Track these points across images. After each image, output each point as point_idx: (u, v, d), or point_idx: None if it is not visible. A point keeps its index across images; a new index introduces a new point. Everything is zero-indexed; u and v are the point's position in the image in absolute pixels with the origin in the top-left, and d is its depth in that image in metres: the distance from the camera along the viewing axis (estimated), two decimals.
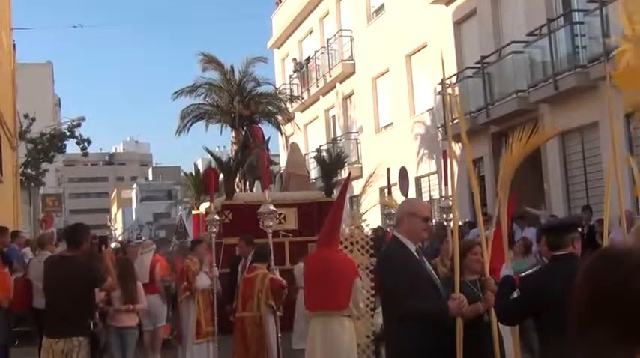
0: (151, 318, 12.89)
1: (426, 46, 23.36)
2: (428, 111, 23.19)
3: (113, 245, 18.85)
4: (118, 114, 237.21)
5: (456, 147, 21.03)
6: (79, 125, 32.47)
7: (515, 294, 5.06)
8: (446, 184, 10.76)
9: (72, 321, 6.96)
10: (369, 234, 9.48)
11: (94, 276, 7.16)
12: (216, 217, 11.78)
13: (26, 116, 29.40)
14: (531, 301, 4.95)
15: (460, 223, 14.97)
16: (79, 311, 7.01)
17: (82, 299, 7.04)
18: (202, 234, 14.19)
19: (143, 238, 44.70)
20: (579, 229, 5.82)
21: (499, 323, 5.65)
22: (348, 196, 26.20)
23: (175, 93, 22.45)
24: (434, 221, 16.19)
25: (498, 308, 5.37)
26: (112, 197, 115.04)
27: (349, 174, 11.62)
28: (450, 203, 10.10)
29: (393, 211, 13.72)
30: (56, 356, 6.92)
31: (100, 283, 7.22)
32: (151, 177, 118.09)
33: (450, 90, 20.02)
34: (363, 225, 9.75)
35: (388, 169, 13.82)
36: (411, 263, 5.41)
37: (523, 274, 5.56)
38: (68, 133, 32.43)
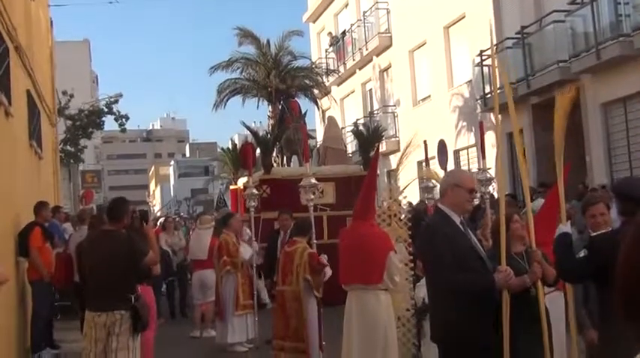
0: (204, 292, 13.00)
1: (464, 16, 23.01)
2: (466, 83, 22.89)
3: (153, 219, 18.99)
4: (155, 90, 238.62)
5: (497, 119, 20.78)
6: (116, 101, 32.67)
7: (582, 253, 4.94)
8: (484, 157, 10.56)
9: (114, 295, 6.95)
10: (407, 206, 9.36)
11: (135, 250, 7.13)
12: (255, 191, 11.77)
13: (64, 93, 29.62)
14: (606, 261, 4.84)
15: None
16: (121, 285, 6.98)
17: (124, 273, 7.01)
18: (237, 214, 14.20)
19: (181, 214, 45.00)
20: None
21: (546, 297, 5.54)
22: (385, 170, 26.13)
23: (212, 68, 22.40)
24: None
25: (564, 268, 5.25)
26: (150, 173, 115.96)
27: (377, 148, 11.49)
28: (488, 175, 9.95)
29: (431, 184, 13.59)
30: (98, 330, 6.93)
31: (141, 257, 7.19)
32: (188, 154, 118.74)
33: (491, 61, 19.75)
34: (401, 198, 9.63)
35: (425, 142, 13.65)
36: (457, 235, 5.31)
37: (594, 233, 5.40)
38: (106, 109, 32.65)
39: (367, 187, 7.86)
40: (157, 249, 8.08)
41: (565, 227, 5.69)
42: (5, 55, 10.18)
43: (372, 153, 13.63)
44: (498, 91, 19.37)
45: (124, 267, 7.02)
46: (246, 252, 11.06)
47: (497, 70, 8.22)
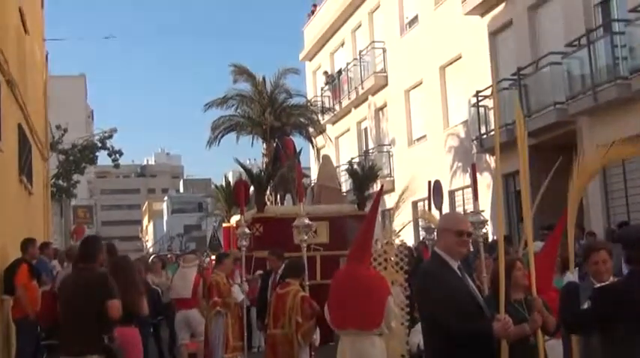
0: (189, 332, 12.71)
1: (460, 57, 23.03)
2: (462, 123, 22.82)
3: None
4: (150, 125, 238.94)
5: (491, 161, 20.69)
6: (110, 136, 32.56)
7: (586, 305, 4.76)
8: (476, 198, 10.36)
9: (85, 338, 6.65)
10: (403, 249, 9.14)
11: (107, 290, 6.79)
12: (247, 230, 11.56)
13: (58, 127, 29.50)
14: (609, 314, 4.64)
15: (493, 238, 14.64)
16: (92, 326, 6.67)
17: (96, 313, 6.69)
18: (233, 250, 13.97)
19: (172, 252, 44.66)
20: None
21: (546, 347, 5.33)
22: (380, 210, 25.93)
23: (207, 104, 22.32)
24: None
25: (567, 320, 5.06)
26: (143, 209, 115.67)
27: (381, 188, 11.32)
28: (481, 218, 9.72)
29: (433, 226, 13.40)
30: None
31: (106, 297, 6.78)
32: (182, 189, 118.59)
33: (486, 102, 19.70)
34: (397, 240, 9.41)
35: (429, 182, 13.51)
36: (453, 280, 5.11)
37: (599, 285, 5.21)
38: (100, 144, 32.51)
39: (365, 229, 7.66)
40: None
41: (572, 275, 5.51)
42: None
43: (374, 196, 13.42)
44: (493, 133, 19.32)
45: (96, 306, 6.70)
46: (238, 293, 10.83)
47: (495, 108, 8.12)
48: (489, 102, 20.55)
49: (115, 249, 12.98)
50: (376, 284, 7.26)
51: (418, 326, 6.92)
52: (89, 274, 6.88)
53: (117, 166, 34.09)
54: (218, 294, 11.00)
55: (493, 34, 21.42)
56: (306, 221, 9.56)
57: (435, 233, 5.99)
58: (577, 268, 6.35)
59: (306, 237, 9.53)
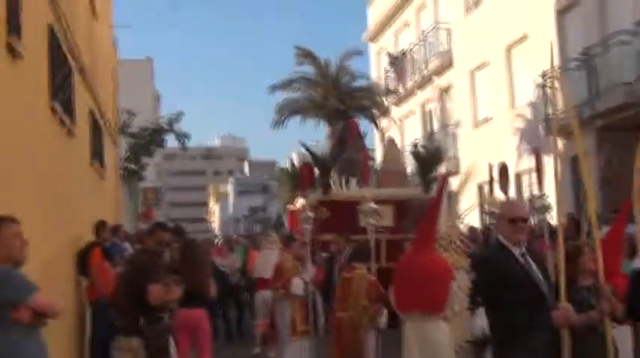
0: (267, 312, 12.93)
1: (526, 37, 22.69)
2: (528, 104, 22.49)
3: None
4: (216, 108, 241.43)
5: (559, 143, 20.38)
6: (178, 120, 33.04)
7: None
8: (540, 182, 10.26)
9: (127, 318, 6.97)
10: (468, 233, 9.13)
11: (140, 271, 7.04)
12: (310, 214, 11.66)
13: (128, 112, 30.08)
14: None
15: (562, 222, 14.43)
16: (129, 306, 6.95)
17: (130, 293, 6.94)
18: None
19: (239, 234, 45.20)
20: None
21: (614, 334, 5.30)
22: (445, 193, 25.79)
23: (271, 87, 22.51)
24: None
25: (636, 306, 5.03)
26: (210, 191, 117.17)
27: (447, 173, 11.29)
28: (545, 203, 9.59)
29: (496, 211, 13.31)
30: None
31: (144, 282, 6.95)
32: (247, 171, 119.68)
33: (554, 83, 19.37)
34: (460, 224, 9.42)
35: (490, 165, 13.38)
36: (511, 267, 5.12)
37: None
38: (168, 128, 33.04)
39: (431, 213, 7.69)
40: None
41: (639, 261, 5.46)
42: (69, 75, 10.32)
43: (439, 178, 13.43)
44: (562, 114, 19.03)
45: (130, 286, 6.95)
46: (297, 286, 10.85)
47: (561, 92, 8.01)
48: (556, 83, 20.21)
49: (184, 231, 13.30)
50: (440, 268, 7.31)
51: (482, 310, 6.94)
52: (140, 255, 7.32)
53: (184, 149, 34.63)
54: (282, 277, 11.11)
55: (560, 13, 21.03)
56: (373, 205, 9.63)
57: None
58: None
59: (373, 221, 9.60)
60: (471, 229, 13.27)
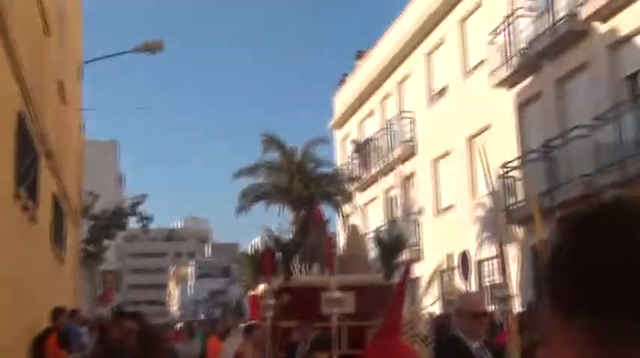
0: None
1: (488, 128, 23.19)
2: (489, 194, 22.83)
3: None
4: (179, 190, 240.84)
5: (519, 232, 20.64)
6: (141, 202, 32.92)
7: None
8: (503, 273, 10.32)
9: None
10: (431, 323, 9.14)
11: None
12: (271, 301, 11.59)
13: (90, 193, 29.90)
14: None
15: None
16: None
17: None
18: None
19: (198, 318, 44.52)
20: None
21: None
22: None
23: (237, 173, 22.56)
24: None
25: None
26: (171, 273, 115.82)
27: (409, 262, 11.32)
28: (506, 293, 9.62)
29: (455, 298, 13.37)
30: None
31: None
32: (209, 254, 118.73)
33: (514, 174, 19.66)
34: (424, 314, 9.43)
35: (453, 255, 13.47)
36: None
37: None
38: (130, 211, 32.87)
39: (395, 303, 7.69)
40: None
41: None
42: (35, 161, 10.32)
43: (401, 265, 13.45)
44: (521, 204, 19.33)
45: None
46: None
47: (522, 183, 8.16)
48: (517, 174, 20.61)
49: (144, 319, 13.09)
50: (407, 355, 7.27)
51: None
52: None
53: (147, 232, 34.38)
54: None
55: (521, 106, 21.59)
56: (337, 294, 9.61)
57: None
58: None
59: (336, 310, 9.56)
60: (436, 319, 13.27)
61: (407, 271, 8.63)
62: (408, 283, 8.53)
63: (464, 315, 5.25)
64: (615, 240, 1.09)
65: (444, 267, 23.25)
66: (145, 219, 32.60)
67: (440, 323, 12.66)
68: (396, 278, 18.55)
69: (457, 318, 5.31)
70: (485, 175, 6.53)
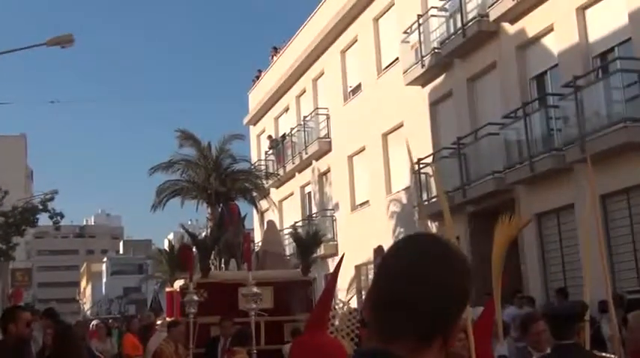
0: None
1: (402, 125, 23.62)
2: (404, 189, 23.29)
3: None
4: (90, 186, 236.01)
5: (432, 226, 21.11)
6: (51, 199, 32.21)
7: None
8: None
9: None
10: (353, 318, 9.28)
11: None
12: (195, 297, 11.60)
13: None
14: None
15: None
16: None
17: None
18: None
19: (112, 317, 43.94)
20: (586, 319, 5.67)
21: None
22: (323, 273, 26.11)
23: (152, 168, 22.33)
24: None
25: None
26: (82, 270, 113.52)
27: (341, 258, 11.35)
28: None
29: None
30: None
31: None
32: (122, 251, 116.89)
33: (427, 170, 20.10)
34: (345, 308, 9.57)
35: (343, 255, 13.64)
36: None
37: None
38: (41, 207, 32.13)
39: (325, 298, 7.80)
40: None
41: (502, 348, 5.74)
42: None
43: (317, 260, 13.59)
44: (433, 200, 19.73)
45: None
46: None
47: (433, 178, 8.42)
48: (430, 170, 21.08)
49: (57, 315, 12.91)
50: (336, 349, 7.39)
51: None
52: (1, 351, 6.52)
53: (57, 228, 33.67)
54: None
55: (433, 104, 22.09)
56: (255, 289, 9.70)
57: None
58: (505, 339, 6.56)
59: (254, 306, 9.66)
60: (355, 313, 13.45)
61: (337, 269, 8.72)
62: (337, 280, 8.65)
63: None
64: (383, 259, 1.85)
65: (361, 261, 23.58)
66: (57, 215, 31.90)
67: (362, 318, 12.87)
68: (330, 275, 18.79)
69: None
70: (411, 161, 6.71)
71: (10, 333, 6.52)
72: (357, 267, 24.40)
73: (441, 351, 1.75)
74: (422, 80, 22.02)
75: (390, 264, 1.82)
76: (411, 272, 1.77)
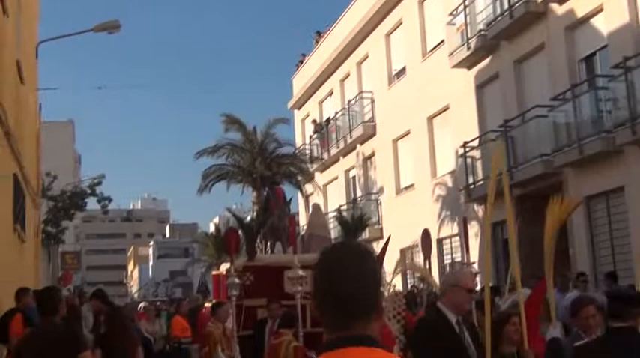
0: None
1: (447, 108, 23.44)
2: (449, 173, 23.14)
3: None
4: (137, 170, 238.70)
5: (479, 210, 20.97)
6: (99, 183, 32.72)
7: None
8: (467, 251, 10.58)
9: None
10: (399, 301, 9.29)
11: (78, 343, 6.34)
12: (237, 280, 11.67)
13: (48, 174, 29.64)
14: None
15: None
16: None
17: None
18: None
19: (159, 300, 44.48)
20: None
21: None
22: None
23: (198, 153, 22.55)
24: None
25: None
26: (129, 254, 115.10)
27: (387, 243, 11.30)
28: (472, 270, 9.89)
29: (417, 275, 13.61)
30: None
31: (84, 349, 6.36)
32: (168, 234, 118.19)
33: (473, 153, 19.90)
34: (392, 290, 9.60)
35: (389, 237, 13.62)
36: (447, 334, 5.30)
37: (578, 344, 5.34)
38: (89, 191, 32.66)
39: None
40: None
41: (555, 330, 5.68)
42: None
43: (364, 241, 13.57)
44: (480, 183, 19.54)
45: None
46: None
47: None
48: (476, 153, 20.90)
49: (106, 296, 13.11)
50: (384, 333, 7.41)
51: None
52: (55, 328, 6.44)
53: (105, 213, 34.20)
54: (209, 346, 10.92)
55: (480, 87, 21.86)
56: (300, 272, 9.73)
57: (440, 288, 6.15)
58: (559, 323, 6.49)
59: (300, 288, 9.69)
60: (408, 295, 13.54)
61: (384, 249, 8.75)
62: (383, 261, 8.65)
63: (461, 290, 5.42)
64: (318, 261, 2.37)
65: (406, 245, 23.52)
66: (104, 199, 32.43)
67: (408, 301, 12.88)
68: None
69: (448, 291, 5.48)
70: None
71: (60, 313, 6.59)
72: (402, 251, 24.32)
73: (378, 321, 2.39)
74: (468, 63, 21.79)
75: (332, 268, 2.34)
76: (348, 272, 2.30)
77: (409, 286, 22.38)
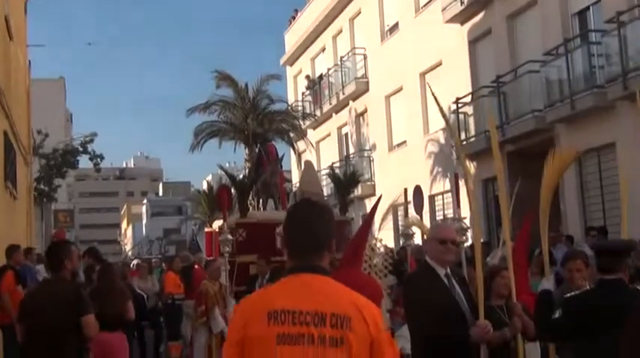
0: None
1: (440, 64, 23.32)
2: (442, 129, 23.09)
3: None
4: (129, 129, 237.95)
5: (471, 166, 20.98)
6: (91, 141, 32.59)
7: (557, 314, 4.99)
8: (458, 206, 10.59)
9: (59, 353, 6.21)
10: (387, 255, 9.29)
11: (83, 305, 6.33)
12: (229, 236, 11.67)
13: (39, 132, 29.48)
14: (578, 324, 4.87)
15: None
16: (66, 341, 6.23)
17: (68, 329, 6.23)
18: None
19: (154, 256, 44.67)
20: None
21: (526, 350, 5.55)
22: (360, 214, 26.19)
23: (189, 109, 22.36)
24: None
25: (541, 328, 5.30)
26: (122, 212, 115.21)
27: (379, 198, 11.30)
28: (464, 225, 9.89)
29: (410, 231, 13.64)
30: None
31: (86, 310, 6.35)
32: (161, 193, 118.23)
33: (466, 109, 19.89)
34: (380, 246, 9.59)
35: (405, 190, 13.71)
36: (436, 287, 5.32)
37: (569, 295, 5.38)
38: (81, 149, 32.54)
39: (360, 235, 7.81)
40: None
41: (547, 283, 5.72)
42: None
43: (355, 200, 13.61)
44: (472, 139, 19.54)
45: (71, 321, 6.24)
46: (217, 324, 10.63)
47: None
48: (469, 109, 20.85)
49: (100, 254, 13.13)
50: (371, 287, 7.43)
51: (401, 331, 7.12)
52: (61, 286, 6.42)
53: (98, 171, 34.13)
54: (205, 304, 10.93)
55: (472, 42, 21.73)
56: None
57: (418, 236, 6.22)
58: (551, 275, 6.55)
59: None
60: (400, 251, 13.60)
61: (375, 206, 8.71)
62: (374, 218, 8.64)
63: (434, 242, 5.45)
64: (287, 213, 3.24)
65: (398, 201, 23.54)
66: (97, 157, 32.32)
67: (398, 258, 12.95)
68: (351, 214, 18.83)
69: (426, 245, 5.53)
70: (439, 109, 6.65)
71: (67, 268, 6.59)
72: (394, 207, 24.36)
73: (329, 256, 3.13)
74: (461, 18, 21.64)
75: (298, 216, 3.16)
76: (310, 218, 3.11)
77: (401, 243, 22.48)
